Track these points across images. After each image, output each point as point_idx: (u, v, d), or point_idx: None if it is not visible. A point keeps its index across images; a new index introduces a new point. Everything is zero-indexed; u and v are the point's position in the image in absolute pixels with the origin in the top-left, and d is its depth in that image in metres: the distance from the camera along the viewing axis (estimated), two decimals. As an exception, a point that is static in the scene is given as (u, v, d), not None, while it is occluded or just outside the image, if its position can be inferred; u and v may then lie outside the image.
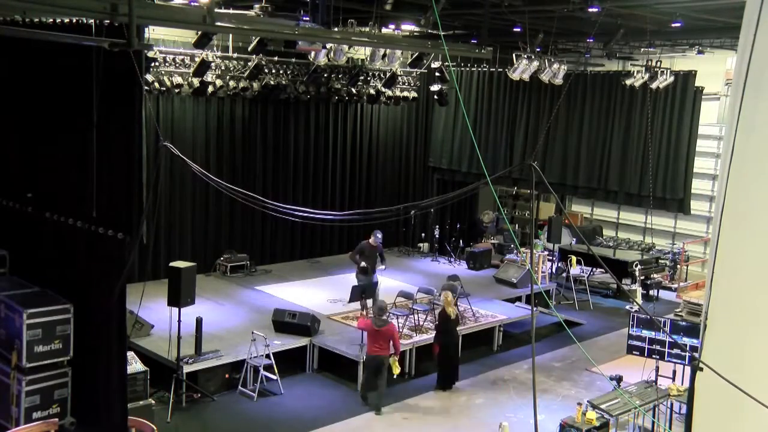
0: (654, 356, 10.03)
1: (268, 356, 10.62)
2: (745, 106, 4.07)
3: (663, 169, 15.53)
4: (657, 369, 9.96)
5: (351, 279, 15.15)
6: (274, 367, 10.63)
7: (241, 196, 8.50)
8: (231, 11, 11.72)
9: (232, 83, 14.26)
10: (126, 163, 8.01)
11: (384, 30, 14.57)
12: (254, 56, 14.05)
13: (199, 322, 10.60)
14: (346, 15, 11.52)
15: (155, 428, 7.78)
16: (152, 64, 12.62)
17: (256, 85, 14.56)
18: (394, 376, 10.67)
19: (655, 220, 18.10)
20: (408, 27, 14.89)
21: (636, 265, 15.84)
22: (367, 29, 12.06)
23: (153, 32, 12.38)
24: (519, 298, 14.85)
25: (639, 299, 11.56)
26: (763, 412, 3.80)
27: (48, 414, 8.30)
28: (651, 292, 16.52)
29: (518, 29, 13.83)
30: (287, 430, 9.75)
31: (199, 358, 10.49)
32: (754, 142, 4.11)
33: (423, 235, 18.74)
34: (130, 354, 9.23)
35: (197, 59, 13.29)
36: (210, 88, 13.84)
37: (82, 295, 8.50)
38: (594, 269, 16.72)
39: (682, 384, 9.69)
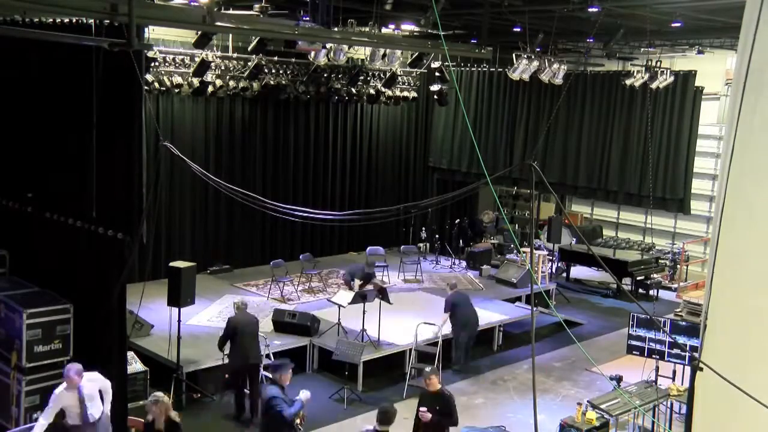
0: (654, 356, 10.03)
1: (268, 356, 10.61)
2: (745, 106, 4.06)
3: (663, 169, 15.53)
4: (657, 369, 9.96)
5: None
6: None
7: (240, 196, 8.50)
8: (231, 11, 11.73)
9: (232, 83, 14.26)
10: (126, 163, 8.01)
11: (384, 30, 14.56)
12: (254, 56, 14.04)
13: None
14: (346, 15, 11.52)
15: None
16: (152, 64, 12.61)
17: (256, 85, 14.55)
18: None
19: (655, 220, 18.10)
20: (408, 27, 14.88)
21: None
22: (367, 29, 12.06)
23: (153, 32, 12.36)
24: (519, 298, 14.85)
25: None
26: (763, 412, 3.80)
27: (48, 414, 8.30)
28: (651, 292, 16.52)
29: (518, 29, 13.82)
30: (287, 430, 9.74)
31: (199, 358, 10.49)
32: (754, 142, 4.11)
33: (423, 235, 18.74)
34: (130, 354, 9.24)
35: (197, 59, 13.28)
36: (210, 88, 13.84)
37: (82, 295, 8.50)
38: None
39: (682, 384, 9.68)
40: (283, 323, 11.66)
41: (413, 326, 11.60)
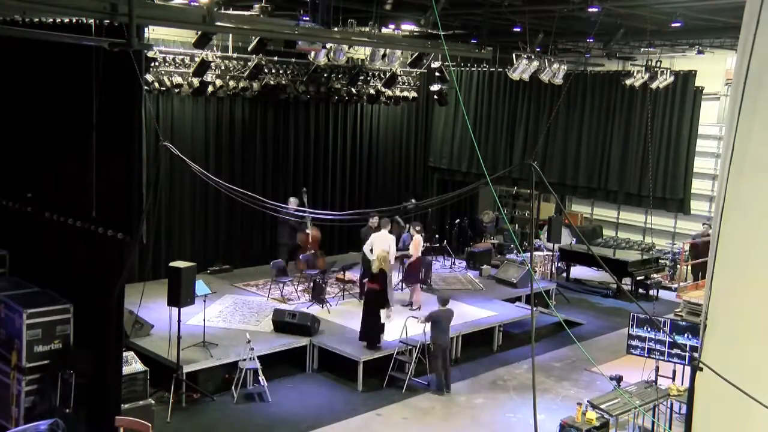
0: (654, 356, 10.04)
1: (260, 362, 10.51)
2: (745, 106, 4.07)
3: (663, 169, 15.53)
4: (657, 369, 9.96)
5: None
6: (260, 372, 10.47)
7: (240, 196, 8.51)
8: (231, 11, 11.73)
9: (232, 83, 14.25)
10: (126, 163, 8.01)
11: (384, 30, 14.56)
12: (254, 56, 14.04)
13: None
14: (346, 15, 11.51)
15: (150, 427, 7.75)
16: (152, 64, 12.61)
17: (256, 85, 14.54)
18: None
19: (655, 220, 18.10)
20: (408, 27, 14.88)
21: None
22: (367, 29, 12.05)
23: (153, 32, 12.36)
24: (519, 298, 14.85)
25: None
26: (763, 412, 3.80)
27: (48, 414, 8.30)
28: (651, 292, 16.52)
29: (518, 29, 13.82)
30: (287, 430, 9.75)
31: (199, 358, 10.49)
32: (754, 142, 4.11)
33: (423, 235, 18.71)
34: (131, 354, 9.24)
35: (197, 59, 13.28)
36: (210, 88, 13.83)
37: (82, 295, 8.50)
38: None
39: (682, 384, 9.69)
40: (283, 323, 11.65)
41: (411, 324, 11.56)
